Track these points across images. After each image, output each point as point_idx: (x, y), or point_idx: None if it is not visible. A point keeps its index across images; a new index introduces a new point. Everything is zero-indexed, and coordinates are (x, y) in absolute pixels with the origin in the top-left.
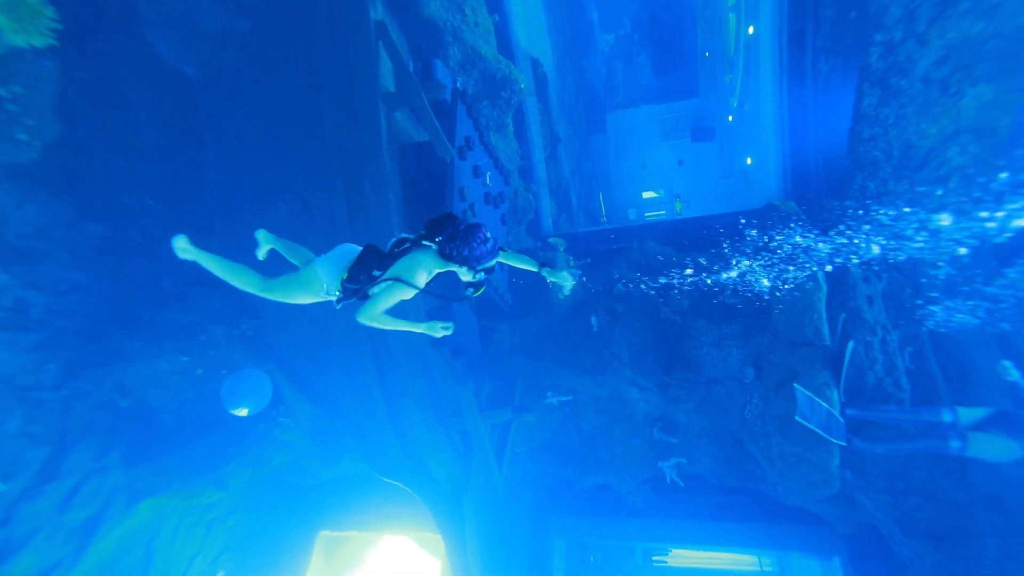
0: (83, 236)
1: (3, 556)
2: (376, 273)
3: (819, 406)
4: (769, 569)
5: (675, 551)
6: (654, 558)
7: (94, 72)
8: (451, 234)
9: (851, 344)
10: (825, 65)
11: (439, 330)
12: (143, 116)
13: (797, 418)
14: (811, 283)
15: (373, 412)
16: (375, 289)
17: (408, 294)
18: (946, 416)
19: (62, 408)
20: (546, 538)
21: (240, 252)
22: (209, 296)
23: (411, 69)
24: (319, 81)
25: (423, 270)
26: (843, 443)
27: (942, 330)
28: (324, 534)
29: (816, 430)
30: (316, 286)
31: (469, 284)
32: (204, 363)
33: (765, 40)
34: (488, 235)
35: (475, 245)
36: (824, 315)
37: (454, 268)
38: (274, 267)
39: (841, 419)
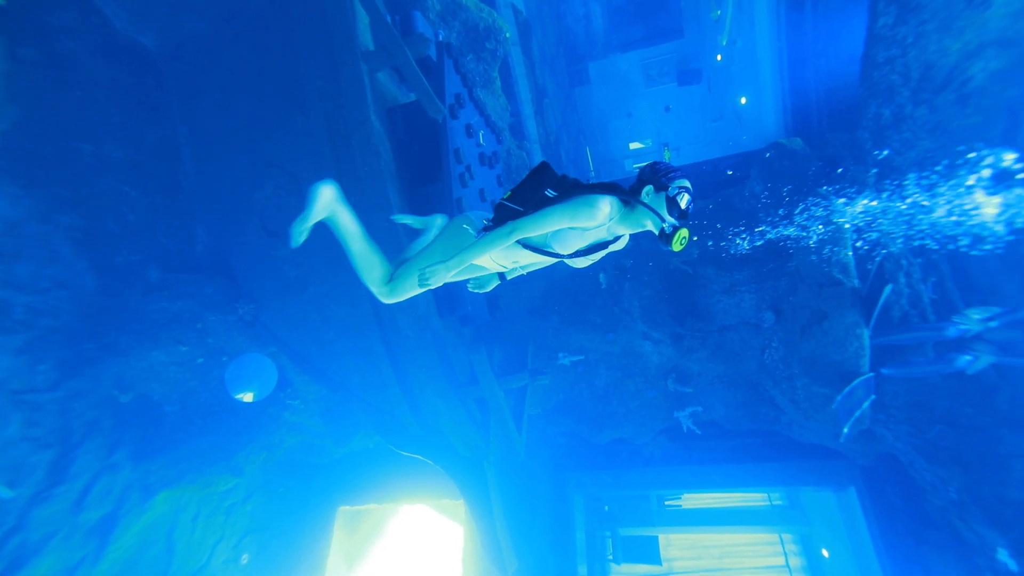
0: (58, 229)
1: (22, 561)
2: (551, 193)
3: (849, 397)
4: (778, 503)
5: (687, 495)
6: (666, 502)
7: (42, 48)
8: (653, 169)
9: (888, 287)
10: None
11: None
12: (102, 94)
13: (841, 439)
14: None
15: (385, 387)
16: (545, 209)
17: (574, 241)
18: (958, 326)
19: (61, 409)
20: (565, 494)
21: (227, 235)
22: (200, 282)
23: (389, 23)
24: (294, 44)
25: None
26: (874, 395)
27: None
28: (343, 509)
29: (852, 419)
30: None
31: (662, 235)
32: (204, 351)
33: None
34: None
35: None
36: (851, 251)
37: (630, 224)
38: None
39: (870, 374)
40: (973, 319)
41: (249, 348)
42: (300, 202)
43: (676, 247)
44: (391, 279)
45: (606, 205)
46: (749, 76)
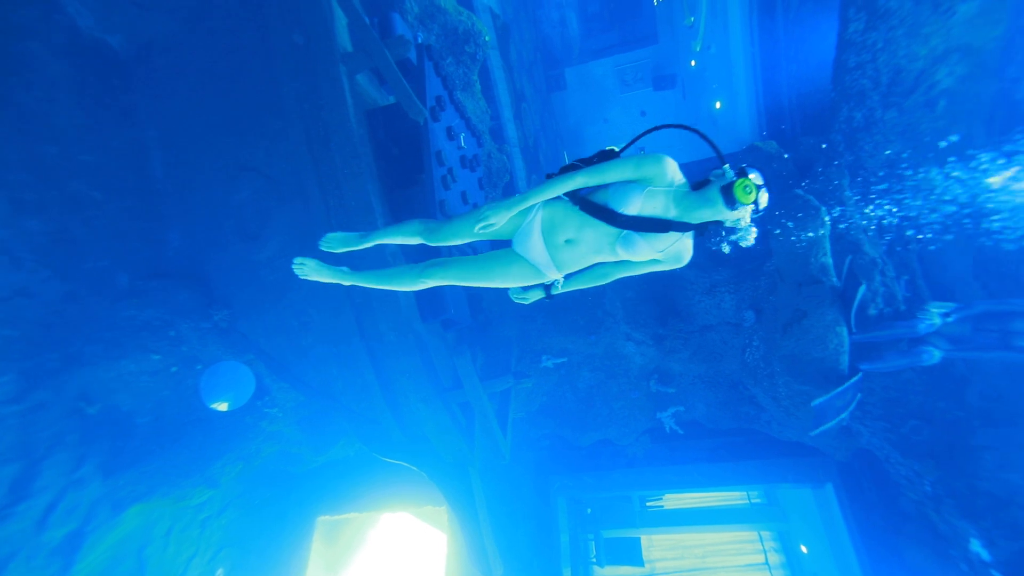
0: (20, 234)
1: None
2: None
3: (831, 401)
4: (757, 501)
5: (669, 495)
6: (648, 503)
7: (2, 48)
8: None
9: (863, 287)
10: None
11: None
12: (67, 96)
13: (814, 433)
14: (815, 220)
15: (367, 393)
16: (611, 160)
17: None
18: (926, 321)
19: (22, 423)
20: (549, 497)
21: (201, 240)
22: (172, 289)
23: (368, 24)
24: (269, 46)
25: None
26: (860, 395)
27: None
28: (323, 519)
29: (839, 419)
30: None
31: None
32: (177, 360)
33: None
34: None
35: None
36: (829, 251)
37: (693, 202)
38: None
39: (851, 377)
40: (934, 314)
41: (225, 356)
42: (278, 204)
43: (742, 196)
44: (429, 232)
45: (672, 161)
46: (723, 81)
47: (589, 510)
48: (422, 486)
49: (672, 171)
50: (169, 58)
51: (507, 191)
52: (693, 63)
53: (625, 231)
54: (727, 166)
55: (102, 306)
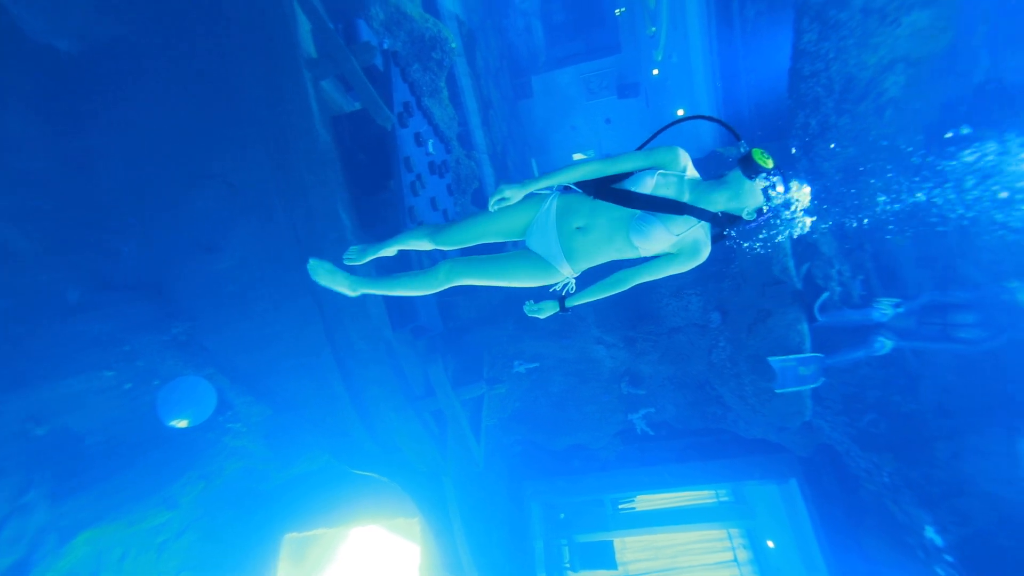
0: None
1: None
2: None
3: (794, 366)
4: (725, 499)
5: (640, 496)
6: (620, 506)
7: None
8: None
9: (826, 293)
10: (751, 9)
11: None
12: (12, 102)
13: (778, 391)
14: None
15: (336, 404)
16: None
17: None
18: (879, 311)
19: None
20: (522, 504)
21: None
22: (127, 301)
23: (333, 30)
24: (231, 51)
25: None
26: (821, 380)
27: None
28: (290, 536)
29: (798, 389)
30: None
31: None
32: (132, 376)
33: None
34: None
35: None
36: (790, 253)
37: (709, 189)
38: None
39: (816, 356)
40: (885, 305)
41: (184, 370)
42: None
43: (762, 160)
44: (437, 232)
45: (685, 152)
46: (685, 89)
47: (562, 515)
48: (394, 498)
49: (685, 160)
50: (124, 63)
51: (476, 197)
52: (656, 72)
53: (639, 213)
54: (742, 141)
55: (50, 322)
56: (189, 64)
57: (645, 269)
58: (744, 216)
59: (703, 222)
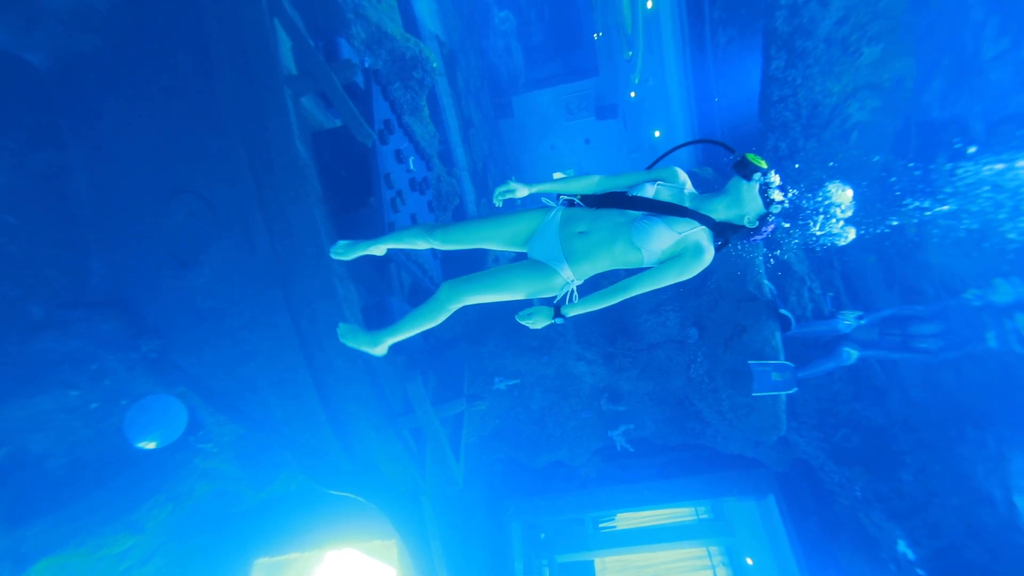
0: None
1: None
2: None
3: (769, 371)
4: (705, 516)
5: (621, 515)
6: (601, 524)
7: None
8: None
9: (792, 318)
10: (723, 36)
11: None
12: None
13: (755, 394)
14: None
15: (312, 423)
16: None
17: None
18: (844, 321)
19: None
20: (503, 523)
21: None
22: (95, 319)
23: (313, 47)
24: (209, 67)
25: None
26: (795, 389)
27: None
28: (261, 561)
29: (775, 394)
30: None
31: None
32: (99, 395)
33: (665, 14)
34: None
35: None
36: (763, 270)
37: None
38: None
39: (789, 364)
40: (850, 317)
41: (154, 389)
42: (216, 229)
43: (757, 160)
44: (436, 229)
45: (683, 171)
46: (661, 111)
47: (543, 535)
48: (370, 519)
49: (683, 177)
50: (98, 77)
51: (457, 214)
52: (633, 94)
53: (640, 214)
54: (736, 152)
55: (13, 340)
56: (166, 79)
57: (647, 276)
58: (746, 224)
59: (704, 227)
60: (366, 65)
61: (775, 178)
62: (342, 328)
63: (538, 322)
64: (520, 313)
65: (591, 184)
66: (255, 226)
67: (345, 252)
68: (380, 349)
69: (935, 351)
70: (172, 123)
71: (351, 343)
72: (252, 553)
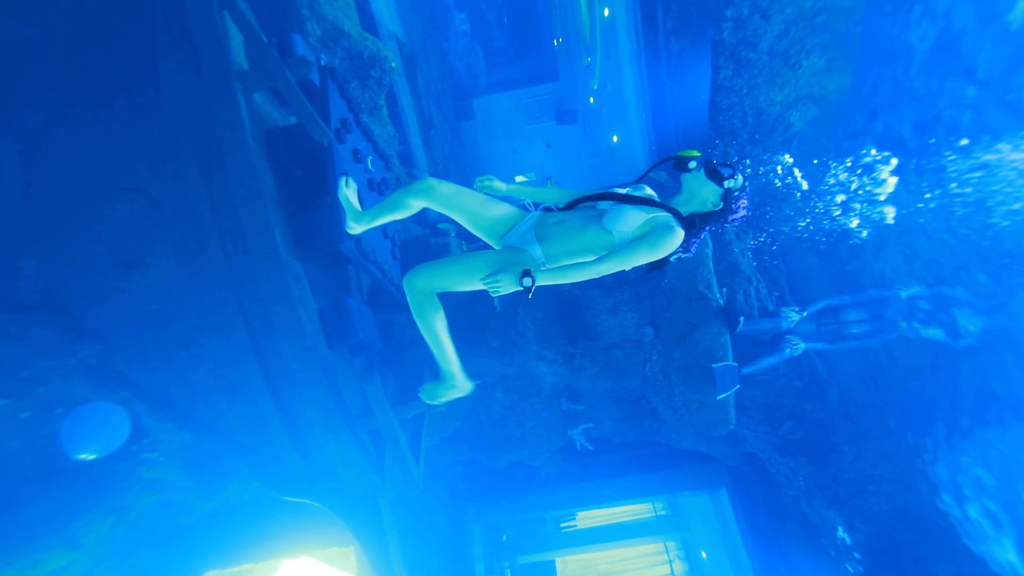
0: None
1: None
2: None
3: (730, 371)
4: (663, 513)
5: (581, 514)
6: (562, 524)
7: None
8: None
9: (742, 319)
10: (676, 45)
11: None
12: None
13: (720, 396)
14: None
15: (266, 427)
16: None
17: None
18: (786, 318)
19: None
20: (464, 525)
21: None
22: (26, 323)
23: (266, 43)
24: (154, 59)
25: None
26: (738, 386)
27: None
28: (211, 575)
29: (731, 392)
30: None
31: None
32: (31, 403)
33: (621, 22)
34: None
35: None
36: (713, 270)
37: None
38: None
39: (734, 364)
40: (790, 313)
41: (93, 396)
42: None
43: (686, 151)
44: (433, 188)
45: (647, 186)
46: (619, 117)
47: (504, 537)
48: (327, 526)
49: (650, 191)
50: (28, 67)
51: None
52: (592, 100)
53: (612, 203)
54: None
55: None
56: (106, 70)
57: (619, 251)
58: (711, 208)
59: (673, 216)
60: (322, 62)
61: (714, 160)
62: (425, 388)
63: (505, 286)
64: (486, 277)
65: (566, 195)
66: (205, 226)
67: (362, 220)
68: (465, 389)
69: (865, 336)
70: (115, 116)
71: (444, 399)
72: (202, 566)
